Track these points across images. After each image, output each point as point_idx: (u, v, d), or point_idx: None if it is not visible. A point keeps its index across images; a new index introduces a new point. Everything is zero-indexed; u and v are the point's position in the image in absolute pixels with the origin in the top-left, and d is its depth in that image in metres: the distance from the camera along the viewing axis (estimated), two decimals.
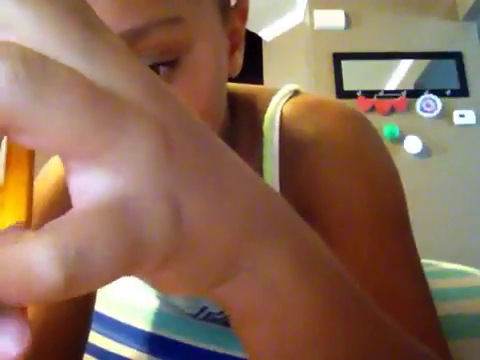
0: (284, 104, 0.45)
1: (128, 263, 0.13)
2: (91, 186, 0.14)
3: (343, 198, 0.38)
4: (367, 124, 0.44)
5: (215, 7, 0.35)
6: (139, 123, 0.14)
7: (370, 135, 0.43)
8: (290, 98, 0.46)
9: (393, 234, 0.37)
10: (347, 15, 2.58)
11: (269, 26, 2.92)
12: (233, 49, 0.39)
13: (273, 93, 0.46)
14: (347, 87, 2.45)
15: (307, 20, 2.65)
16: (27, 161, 0.15)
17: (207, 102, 0.34)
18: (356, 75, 2.49)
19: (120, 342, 0.58)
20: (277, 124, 0.43)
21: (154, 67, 0.31)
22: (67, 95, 0.12)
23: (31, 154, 0.15)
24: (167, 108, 0.15)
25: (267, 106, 0.45)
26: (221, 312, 0.55)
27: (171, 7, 0.30)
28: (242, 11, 0.39)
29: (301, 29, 2.79)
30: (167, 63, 0.31)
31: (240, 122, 0.45)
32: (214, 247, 0.16)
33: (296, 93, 0.47)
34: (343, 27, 2.56)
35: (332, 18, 2.56)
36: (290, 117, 0.43)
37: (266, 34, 2.95)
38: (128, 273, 0.14)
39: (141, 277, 0.17)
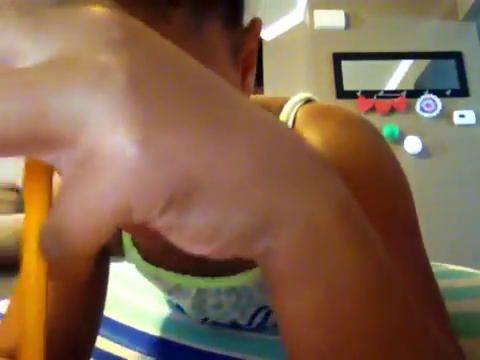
0: (297, 111, 0.45)
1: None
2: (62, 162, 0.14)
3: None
4: (374, 130, 0.44)
5: (229, 54, 0.34)
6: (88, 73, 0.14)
7: (377, 140, 0.43)
8: (302, 105, 0.46)
9: (403, 237, 0.37)
10: (347, 15, 2.58)
11: (269, 26, 2.92)
12: (245, 72, 0.38)
13: (285, 101, 0.46)
14: (347, 87, 2.45)
15: (307, 20, 2.65)
16: (43, 172, 0.16)
17: None
18: (356, 75, 2.49)
19: (125, 345, 0.58)
20: None
21: None
22: None
23: (47, 167, 0.16)
24: (133, 53, 0.14)
25: (280, 114, 0.45)
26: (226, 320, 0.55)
27: None
28: (255, 32, 0.39)
29: (301, 29, 2.79)
30: None
31: None
32: (228, 191, 0.15)
33: (308, 101, 0.47)
34: (343, 27, 2.56)
35: (332, 18, 2.56)
36: (300, 124, 0.43)
37: (266, 34, 2.96)
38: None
39: (169, 237, 0.16)
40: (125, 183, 0.14)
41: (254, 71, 0.39)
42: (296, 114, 0.45)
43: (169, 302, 0.61)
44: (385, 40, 2.54)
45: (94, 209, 0.14)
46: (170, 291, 0.53)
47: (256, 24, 0.39)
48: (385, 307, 0.19)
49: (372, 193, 0.38)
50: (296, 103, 0.46)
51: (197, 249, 0.16)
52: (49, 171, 0.16)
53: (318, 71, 2.50)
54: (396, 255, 0.35)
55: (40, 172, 0.16)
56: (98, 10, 0.15)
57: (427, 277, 0.36)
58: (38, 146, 0.14)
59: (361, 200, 0.39)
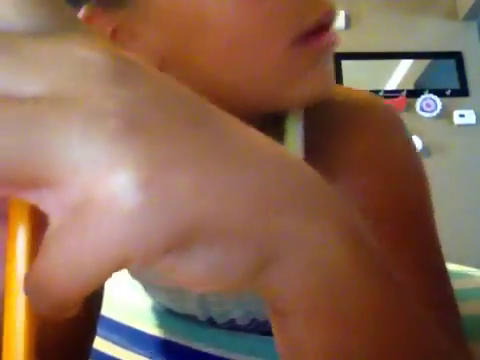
0: None
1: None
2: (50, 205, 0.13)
3: (366, 188, 0.37)
4: (395, 114, 0.43)
5: None
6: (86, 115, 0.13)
7: (399, 126, 0.42)
8: None
9: (413, 229, 0.37)
10: (347, 15, 2.57)
11: None
12: None
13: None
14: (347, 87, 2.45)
15: None
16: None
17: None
18: (356, 75, 2.49)
19: (122, 346, 0.57)
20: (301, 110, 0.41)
21: None
22: None
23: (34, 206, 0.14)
24: (130, 91, 0.14)
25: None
26: (228, 321, 0.55)
27: None
28: None
29: None
30: None
31: None
32: (234, 229, 0.14)
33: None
34: (343, 27, 2.55)
35: None
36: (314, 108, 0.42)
37: None
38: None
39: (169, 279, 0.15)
40: (123, 233, 0.13)
41: None
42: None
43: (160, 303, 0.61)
44: (385, 40, 2.54)
45: (87, 261, 0.13)
46: (170, 292, 0.53)
47: None
48: (392, 342, 0.19)
49: (387, 180, 0.38)
50: None
51: (201, 289, 0.15)
52: (36, 210, 0.14)
53: None
54: (414, 259, 0.35)
55: (26, 209, 0.14)
56: (90, 43, 0.14)
57: (442, 279, 0.36)
58: (24, 183, 0.13)
59: (374, 188, 0.37)
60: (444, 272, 0.37)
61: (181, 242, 0.14)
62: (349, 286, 0.17)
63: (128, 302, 0.63)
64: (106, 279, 0.13)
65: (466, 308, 0.50)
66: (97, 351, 0.57)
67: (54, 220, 0.13)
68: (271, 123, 0.41)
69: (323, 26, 0.35)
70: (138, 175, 0.12)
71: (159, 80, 0.15)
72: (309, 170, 0.17)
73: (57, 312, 0.14)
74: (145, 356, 0.56)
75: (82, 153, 0.12)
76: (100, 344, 0.57)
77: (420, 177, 0.41)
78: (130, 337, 0.58)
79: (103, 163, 0.12)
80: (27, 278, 0.14)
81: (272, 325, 0.19)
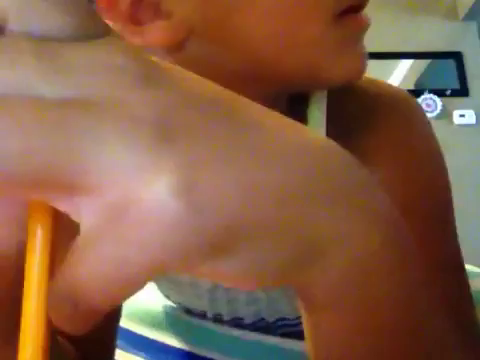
0: None
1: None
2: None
3: (391, 178, 0.37)
4: (419, 106, 0.44)
5: None
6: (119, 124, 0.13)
7: (424, 122, 0.43)
8: None
9: (441, 222, 0.37)
10: None
11: None
12: None
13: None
14: None
15: None
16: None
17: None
18: None
19: (122, 349, 0.57)
20: (324, 98, 0.41)
21: None
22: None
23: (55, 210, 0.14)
24: (161, 96, 0.14)
25: None
26: (234, 318, 0.55)
27: None
28: None
29: None
30: None
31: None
32: (274, 228, 0.14)
33: None
34: None
35: None
36: (338, 92, 0.42)
37: None
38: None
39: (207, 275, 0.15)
40: (165, 240, 0.13)
41: None
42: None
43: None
44: (385, 40, 2.54)
45: (127, 269, 0.13)
46: (180, 286, 0.52)
47: None
48: (415, 341, 0.19)
49: (410, 182, 0.38)
50: None
51: (242, 287, 0.15)
52: (56, 213, 0.14)
53: None
54: (436, 255, 0.35)
55: (46, 212, 0.14)
56: (117, 49, 0.14)
57: (462, 277, 0.37)
58: (57, 188, 0.13)
59: (403, 178, 0.37)
60: (463, 268, 0.37)
61: (222, 245, 0.14)
62: (384, 281, 0.17)
63: (128, 303, 0.63)
64: (143, 286, 0.13)
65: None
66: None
67: (88, 226, 0.13)
68: (294, 108, 0.40)
69: (360, 6, 0.35)
70: (176, 181, 0.12)
71: (187, 81, 0.15)
72: (347, 158, 0.17)
73: (81, 324, 0.13)
74: (143, 358, 0.56)
75: (119, 160, 0.12)
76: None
77: (443, 169, 0.41)
78: (129, 340, 0.58)
79: (141, 170, 0.12)
80: (56, 286, 0.13)
81: (304, 322, 0.19)
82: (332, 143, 0.17)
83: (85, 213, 0.13)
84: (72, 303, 0.13)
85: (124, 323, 0.59)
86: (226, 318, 0.55)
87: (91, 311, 0.13)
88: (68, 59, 0.13)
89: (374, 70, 2.51)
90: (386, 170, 0.38)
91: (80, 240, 0.13)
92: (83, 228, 0.13)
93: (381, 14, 2.57)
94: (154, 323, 0.59)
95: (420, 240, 0.35)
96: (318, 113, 0.40)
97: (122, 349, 0.57)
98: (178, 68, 0.15)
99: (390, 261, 0.17)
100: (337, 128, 0.39)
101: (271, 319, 0.54)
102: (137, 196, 0.12)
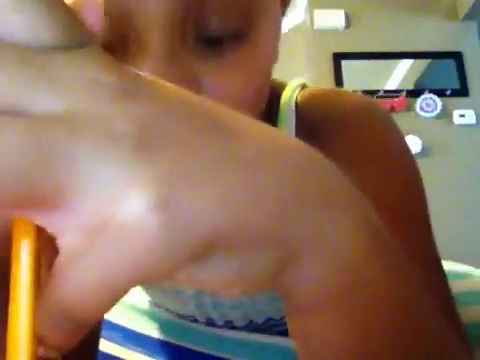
0: (298, 95, 0.44)
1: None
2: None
3: (370, 184, 0.38)
4: (388, 115, 0.44)
5: None
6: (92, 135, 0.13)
7: (393, 127, 0.43)
8: (300, 90, 0.45)
9: (415, 227, 0.37)
10: (347, 15, 2.57)
11: None
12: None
13: (282, 85, 0.45)
14: (347, 87, 2.45)
15: (307, 20, 2.65)
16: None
17: (266, 81, 0.33)
18: (356, 75, 2.49)
19: (119, 344, 0.57)
20: (293, 114, 0.42)
21: (217, 42, 0.29)
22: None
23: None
24: (140, 109, 0.14)
25: (279, 97, 0.44)
26: (226, 322, 0.55)
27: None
28: None
29: (301, 29, 2.79)
30: (232, 37, 0.29)
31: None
32: (256, 234, 0.14)
33: (304, 87, 0.46)
34: (343, 27, 2.55)
35: (332, 18, 2.56)
36: (307, 107, 0.43)
37: None
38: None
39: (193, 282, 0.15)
40: (144, 252, 0.13)
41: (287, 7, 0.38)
42: (297, 99, 0.44)
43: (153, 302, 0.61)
44: (385, 40, 2.54)
45: (109, 281, 0.13)
46: (167, 293, 0.52)
47: None
48: (407, 342, 0.19)
49: (383, 183, 0.38)
50: (296, 87, 0.45)
51: (224, 293, 0.16)
52: (41, 230, 0.14)
53: (318, 71, 2.50)
54: (406, 241, 0.35)
55: (31, 225, 0.14)
56: (97, 62, 0.14)
57: (438, 271, 0.37)
58: (33, 203, 0.13)
59: (378, 183, 0.38)
60: (439, 263, 0.37)
61: (202, 254, 0.14)
62: (368, 281, 0.17)
63: (123, 302, 0.63)
64: (126, 294, 0.13)
65: (470, 312, 0.50)
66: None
67: (65, 242, 0.13)
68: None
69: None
70: (154, 194, 0.12)
71: (168, 93, 0.15)
72: (326, 163, 0.17)
73: (72, 336, 0.14)
74: (145, 355, 0.56)
75: (95, 174, 0.12)
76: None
77: (414, 173, 0.41)
78: (129, 337, 0.58)
79: (118, 184, 0.12)
80: (45, 304, 0.13)
81: (289, 325, 0.19)
82: (311, 148, 0.17)
83: (63, 230, 0.13)
84: (62, 318, 0.13)
85: (120, 320, 0.59)
86: (219, 323, 0.55)
87: (83, 322, 0.13)
88: (49, 71, 0.13)
89: (374, 70, 2.50)
90: (356, 175, 0.39)
91: (61, 257, 0.13)
92: (62, 246, 0.13)
93: (381, 14, 2.57)
94: (149, 320, 0.59)
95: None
96: (286, 126, 0.41)
97: (120, 345, 0.57)
98: (159, 81, 0.15)
99: (372, 263, 0.17)
100: (305, 137, 0.40)
101: (260, 321, 0.54)
102: (113, 211, 0.12)
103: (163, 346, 0.57)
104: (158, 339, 0.57)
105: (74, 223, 0.13)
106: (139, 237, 0.12)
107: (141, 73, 0.15)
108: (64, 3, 0.14)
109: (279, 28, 0.35)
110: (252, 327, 0.55)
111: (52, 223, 0.13)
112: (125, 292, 0.13)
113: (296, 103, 0.43)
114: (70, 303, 0.13)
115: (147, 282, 0.14)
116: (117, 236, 0.13)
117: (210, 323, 0.56)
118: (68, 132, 0.12)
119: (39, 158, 0.12)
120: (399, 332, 0.18)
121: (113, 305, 0.13)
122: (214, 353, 0.54)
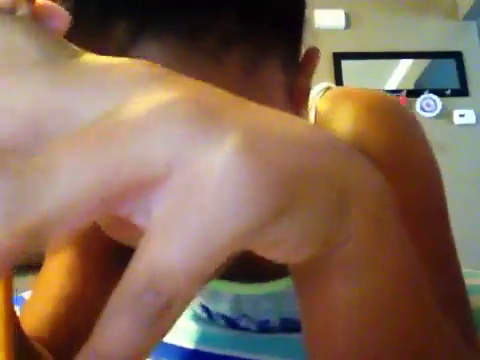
0: (318, 101, 0.44)
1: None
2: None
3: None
4: (404, 110, 0.43)
5: (285, 93, 0.33)
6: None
7: (409, 123, 0.42)
8: (322, 95, 0.45)
9: (431, 226, 0.37)
10: (347, 15, 2.57)
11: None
12: (298, 107, 0.36)
13: None
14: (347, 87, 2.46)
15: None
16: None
17: None
18: (356, 75, 2.49)
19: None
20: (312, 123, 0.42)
21: None
22: None
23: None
24: (179, 87, 0.14)
25: None
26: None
27: None
28: (311, 66, 0.37)
29: None
30: None
31: None
32: (323, 175, 0.15)
33: (327, 89, 0.46)
34: (343, 27, 2.56)
35: (332, 18, 2.56)
36: (323, 114, 0.43)
37: None
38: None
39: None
40: (239, 201, 0.12)
41: (306, 108, 0.37)
42: (317, 105, 0.44)
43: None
44: (385, 40, 2.54)
45: (208, 237, 0.12)
46: (205, 297, 0.52)
47: (313, 58, 0.37)
48: (417, 304, 0.20)
49: (403, 182, 0.38)
50: (318, 92, 0.45)
51: (293, 257, 0.16)
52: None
53: (318, 71, 2.49)
54: (425, 241, 0.35)
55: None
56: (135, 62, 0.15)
57: (457, 275, 0.37)
58: (136, 192, 0.13)
59: (394, 185, 0.38)
60: (458, 270, 0.37)
61: (289, 204, 0.14)
62: (393, 243, 0.19)
63: None
64: (229, 253, 0.13)
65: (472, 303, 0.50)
66: None
67: (161, 212, 0.13)
68: None
69: None
70: (240, 138, 0.13)
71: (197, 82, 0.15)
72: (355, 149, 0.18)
73: (167, 320, 0.12)
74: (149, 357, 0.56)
75: (169, 142, 0.13)
76: None
77: (435, 173, 0.41)
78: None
79: (202, 138, 0.13)
80: (133, 278, 0.12)
81: (313, 296, 0.19)
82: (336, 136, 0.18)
83: (156, 202, 0.13)
84: (154, 291, 0.12)
85: None
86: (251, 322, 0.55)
87: (187, 285, 0.12)
88: (90, 70, 0.14)
89: (374, 70, 2.50)
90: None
91: (153, 228, 0.13)
92: (155, 216, 0.13)
93: (381, 14, 2.58)
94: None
95: (415, 240, 0.35)
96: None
97: None
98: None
99: (395, 224, 0.19)
100: None
101: (294, 317, 0.53)
102: (201, 168, 0.13)
103: (171, 349, 0.56)
104: (171, 344, 0.57)
105: (168, 189, 0.13)
106: (231, 186, 0.12)
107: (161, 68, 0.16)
108: None
109: None
110: (284, 325, 0.54)
111: (143, 204, 0.13)
112: (226, 253, 0.13)
113: (317, 111, 0.43)
114: (165, 270, 0.12)
115: (247, 242, 0.13)
116: (211, 189, 0.12)
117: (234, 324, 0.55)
118: (126, 123, 0.13)
119: (108, 157, 0.12)
120: (407, 294, 0.19)
121: (210, 273, 0.13)
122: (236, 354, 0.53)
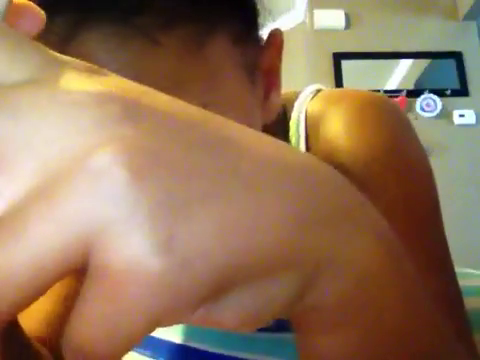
0: (308, 103, 0.43)
1: None
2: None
3: (375, 188, 0.37)
4: (397, 110, 0.43)
5: (242, 72, 0.32)
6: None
7: (402, 123, 0.42)
8: (313, 98, 0.44)
9: (425, 227, 0.37)
10: (347, 15, 2.57)
11: (269, 26, 2.92)
12: (268, 89, 0.35)
13: (296, 97, 0.45)
14: (347, 87, 2.45)
15: (307, 20, 2.65)
16: None
17: None
18: (356, 75, 2.49)
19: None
20: (302, 127, 0.42)
21: None
22: None
23: None
24: (130, 130, 0.12)
25: (291, 112, 0.43)
26: None
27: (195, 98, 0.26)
28: (276, 46, 0.36)
29: (301, 29, 2.79)
30: None
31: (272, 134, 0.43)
32: (269, 263, 0.13)
33: (318, 92, 0.46)
34: (343, 27, 2.55)
35: (332, 18, 2.56)
36: (314, 115, 0.42)
37: (266, 33, 2.95)
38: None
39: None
40: (151, 297, 0.11)
41: (279, 89, 0.36)
42: (307, 106, 0.43)
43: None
44: (385, 40, 2.54)
45: (118, 327, 0.12)
46: None
47: (276, 37, 0.36)
48: (416, 347, 0.19)
49: (397, 183, 0.37)
50: (307, 96, 0.44)
51: (241, 330, 0.15)
52: None
53: (318, 71, 2.50)
54: (415, 242, 0.35)
55: None
56: (73, 85, 0.13)
57: (451, 279, 0.36)
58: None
59: (384, 187, 0.37)
60: (453, 271, 0.37)
61: (214, 293, 0.12)
62: (382, 297, 0.17)
63: None
64: (141, 338, 0.12)
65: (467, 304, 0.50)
66: None
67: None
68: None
69: None
70: (153, 235, 0.11)
71: (163, 106, 0.13)
72: (338, 177, 0.16)
73: None
74: (148, 356, 0.56)
75: (88, 221, 0.11)
76: None
77: (428, 173, 0.41)
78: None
79: (113, 227, 0.11)
80: (65, 339, 0.12)
81: (299, 343, 0.18)
82: (318, 161, 0.16)
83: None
84: (82, 354, 0.12)
85: None
86: None
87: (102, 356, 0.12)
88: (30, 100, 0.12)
89: (374, 70, 2.50)
90: (363, 170, 0.38)
91: (77, 300, 0.12)
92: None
93: (381, 14, 2.58)
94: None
95: (408, 246, 0.35)
96: (297, 137, 0.41)
97: None
98: (152, 91, 0.14)
99: (386, 275, 0.17)
100: (315, 146, 0.40)
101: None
102: (113, 256, 0.11)
103: (166, 346, 0.56)
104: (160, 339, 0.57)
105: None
106: (146, 280, 0.11)
107: (130, 85, 0.14)
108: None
109: (247, 112, 0.34)
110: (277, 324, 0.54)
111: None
112: (140, 336, 0.12)
113: (307, 114, 0.42)
114: (87, 342, 0.12)
115: (158, 327, 0.12)
116: (121, 284, 0.11)
117: None
118: (45, 197, 0.12)
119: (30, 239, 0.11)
120: (405, 341, 0.18)
121: (129, 349, 0.12)
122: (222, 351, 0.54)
